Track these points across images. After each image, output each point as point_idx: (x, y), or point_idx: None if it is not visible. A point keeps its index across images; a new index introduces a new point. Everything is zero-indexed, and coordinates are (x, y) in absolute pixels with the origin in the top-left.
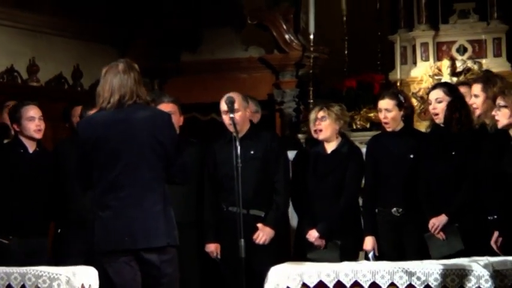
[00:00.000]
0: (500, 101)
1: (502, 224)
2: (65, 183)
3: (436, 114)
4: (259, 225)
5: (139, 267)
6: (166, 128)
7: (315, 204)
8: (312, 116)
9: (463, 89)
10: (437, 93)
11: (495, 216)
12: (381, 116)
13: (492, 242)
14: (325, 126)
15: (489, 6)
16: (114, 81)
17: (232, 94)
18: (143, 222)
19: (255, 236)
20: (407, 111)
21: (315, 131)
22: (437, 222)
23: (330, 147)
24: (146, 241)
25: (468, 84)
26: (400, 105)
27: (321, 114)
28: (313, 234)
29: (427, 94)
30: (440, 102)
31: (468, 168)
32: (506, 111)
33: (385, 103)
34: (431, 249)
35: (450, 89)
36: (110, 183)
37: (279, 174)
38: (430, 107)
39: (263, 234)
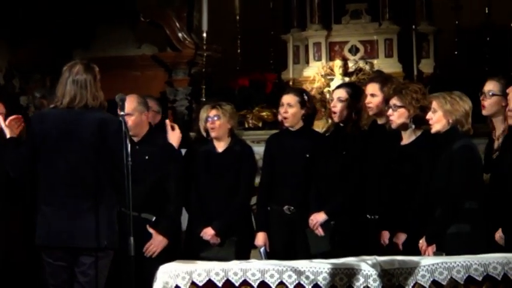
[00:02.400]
0: (396, 102)
1: (385, 223)
2: None
3: (334, 113)
4: (153, 233)
5: (73, 263)
6: (115, 133)
7: (208, 202)
8: (204, 114)
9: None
10: (341, 93)
11: (376, 216)
12: (282, 110)
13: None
14: (218, 125)
15: (381, 7)
16: (68, 83)
17: (129, 95)
18: (82, 222)
19: (144, 249)
20: (309, 111)
21: (206, 129)
22: (316, 218)
23: (220, 146)
24: (83, 240)
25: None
26: (302, 103)
27: (213, 112)
28: (208, 232)
29: (332, 91)
30: (341, 101)
31: (354, 169)
32: (403, 111)
33: (289, 98)
34: (310, 244)
35: (354, 91)
36: (52, 180)
37: (171, 182)
38: (331, 104)
39: (153, 246)
